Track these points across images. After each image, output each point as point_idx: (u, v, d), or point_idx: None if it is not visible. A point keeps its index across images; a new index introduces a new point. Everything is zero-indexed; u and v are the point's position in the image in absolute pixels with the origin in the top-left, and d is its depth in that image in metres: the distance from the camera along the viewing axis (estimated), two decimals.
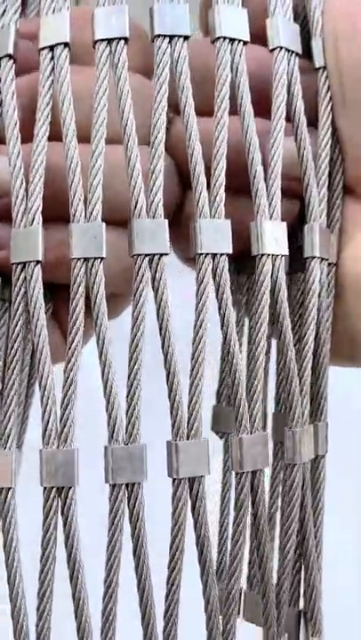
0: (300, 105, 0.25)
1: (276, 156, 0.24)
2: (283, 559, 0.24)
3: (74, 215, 0.22)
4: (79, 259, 0.22)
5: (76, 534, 0.22)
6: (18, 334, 0.23)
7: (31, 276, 0.22)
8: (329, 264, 0.25)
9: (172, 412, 0.22)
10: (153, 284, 0.22)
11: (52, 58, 0.23)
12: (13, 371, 0.23)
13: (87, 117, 0.22)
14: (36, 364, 0.22)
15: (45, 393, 0.22)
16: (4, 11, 0.25)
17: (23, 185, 0.23)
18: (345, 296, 0.25)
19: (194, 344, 0.22)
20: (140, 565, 0.22)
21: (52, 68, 0.23)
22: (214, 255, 0.22)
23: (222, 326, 0.23)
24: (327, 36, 0.25)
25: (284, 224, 0.23)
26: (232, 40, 0.23)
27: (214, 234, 0.22)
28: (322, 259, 0.24)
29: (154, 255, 0.22)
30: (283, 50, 0.24)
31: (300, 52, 0.25)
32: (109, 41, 0.23)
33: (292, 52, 0.25)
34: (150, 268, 0.22)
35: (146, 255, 0.22)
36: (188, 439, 0.22)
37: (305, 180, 0.25)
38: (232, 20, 0.24)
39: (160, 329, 0.22)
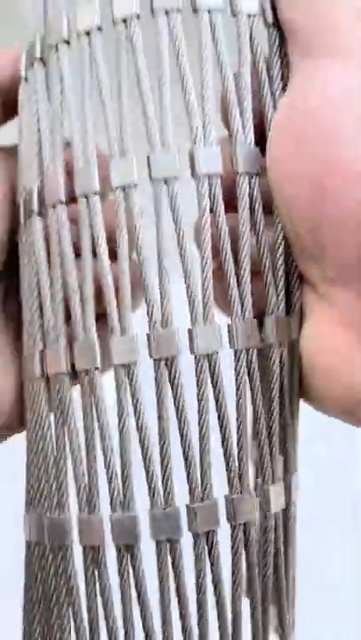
0: (260, 218, 0.28)
1: (244, 264, 0.28)
2: (263, 590, 0.28)
3: (112, 331, 0.27)
4: (119, 365, 0.27)
5: (144, 583, 0.26)
6: (88, 430, 0.27)
7: (93, 380, 0.27)
8: (290, 343, 0.29)
9: (188, 479, 0.26)
10: (170, 380, 0.26)
11: (87, 202, 0.28)
12: (94, 447, 0.27)
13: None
14: (104, 449, 0.26)
15: (109, 472, 0.26)
16: (53, 157, 0.29)
17: (80, 303, 0.27)
18: (304, 369, 0.29)
19: (200, 424, 0.26)
20: (184, 611, 0.26)
21: (88, 211, 0.28)
22: (208, 355, 0.27)
23: (218, 417, 0.27)
24: (268, 153, 0.27)
25: (255, 321, 0.27)
26: (210, 175, 0.27)
27: (208, 336, 0.27)
28: (280, 343, 0.28)
29: (168, 358, 0.26)
30: (243, 175, 0.28)
31: (259, 172, 0.28)
32: (123, 187, 0.27)
33: (253, 174, 0.28)
34: (167, 367, 0.26)
35: (161, 359, 0.26)
36: (202, 502, 0.26)
37: (264, 278, 0.28)
38: (209, 158, 0.27)
39: (177, 417, 0.26)
